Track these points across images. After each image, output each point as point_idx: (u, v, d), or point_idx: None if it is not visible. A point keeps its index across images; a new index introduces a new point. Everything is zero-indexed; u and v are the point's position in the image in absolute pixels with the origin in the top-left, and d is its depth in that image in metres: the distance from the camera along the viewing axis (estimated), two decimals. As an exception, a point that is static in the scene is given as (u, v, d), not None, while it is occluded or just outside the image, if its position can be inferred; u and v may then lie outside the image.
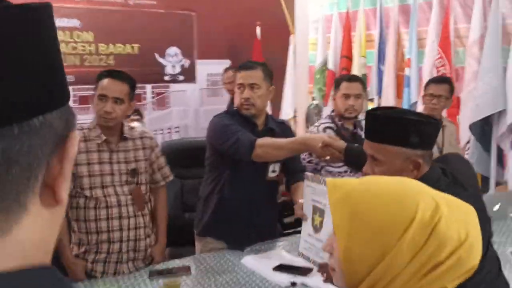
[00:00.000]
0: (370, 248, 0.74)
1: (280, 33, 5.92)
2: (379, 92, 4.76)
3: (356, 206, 0.77)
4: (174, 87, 5.67)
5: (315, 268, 1.97)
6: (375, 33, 4.87)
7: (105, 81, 2.05)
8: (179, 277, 1.88)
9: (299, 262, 2.13)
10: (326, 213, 1.82)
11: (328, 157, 1.88)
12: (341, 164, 2.70)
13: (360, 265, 0.75)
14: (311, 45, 6.10)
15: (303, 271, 2.02)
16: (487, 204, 2.77)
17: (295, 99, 5.76)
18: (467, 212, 0.78)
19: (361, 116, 2.74)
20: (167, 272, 1.94)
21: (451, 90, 3.01)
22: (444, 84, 2.99)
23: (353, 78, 2.76)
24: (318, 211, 1.86)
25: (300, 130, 5.36)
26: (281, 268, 2.07)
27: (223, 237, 2.32)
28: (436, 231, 0.72)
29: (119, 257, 2.13)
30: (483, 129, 3.91)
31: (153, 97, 5.34)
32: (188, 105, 5.69)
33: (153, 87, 5.36)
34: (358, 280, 0.75)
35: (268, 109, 4.95)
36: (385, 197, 0.77)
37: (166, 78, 5.44)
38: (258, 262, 2.15)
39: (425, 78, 4.25)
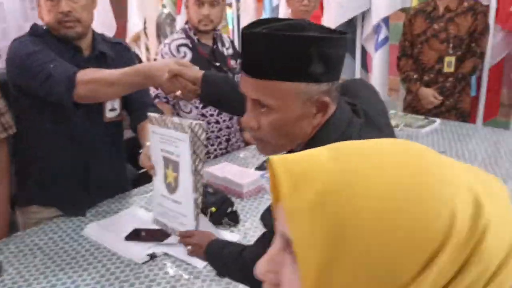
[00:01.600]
0: None
1: None
2: (237, -5, 4.24)
3: (343, 220, 0.40)
4: (-16, -2, 4.47)
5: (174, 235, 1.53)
6: None
7: None
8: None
9: (159, 222, 1.68)
10: (180, 167, 1.35)
11: (179, 92, 1.35)
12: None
13: None
14: None
15: (161, 236, 1.57)
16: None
17: (143, 7, 4.96)
18: (502, 196, 0.43)
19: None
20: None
21: (319, -12, 2.62)
22: (312, -18, 2.58)
23: None
24: (170, 164, 1.38)
25: (153, 46, 4.67)
26: (136, 234, 1.61)
27: (54, 202, 1.75)
28: (479, 250, 0.39)
29: None
30: (346, 31, 3.66)
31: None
32: (7, 21, 4.58)
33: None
34: None
35: (112, 23, 4.17)
36: (397, 194, 0.39)
37: (-29, -13, 4.22)
38: (105, 230, 1.65)
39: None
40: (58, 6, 1.53)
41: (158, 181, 1.44)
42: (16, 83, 1.58)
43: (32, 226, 1.72)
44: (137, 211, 1.80)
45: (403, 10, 3.36)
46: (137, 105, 1.77)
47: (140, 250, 1.53)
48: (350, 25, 3.61)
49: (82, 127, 1.67)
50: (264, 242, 1.01)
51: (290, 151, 0.97)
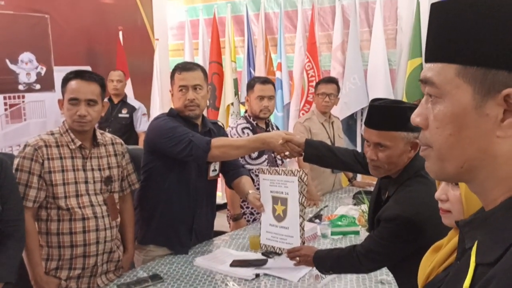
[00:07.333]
0: None
1: (141, 38, 5.81)
2: (251, 95, 5.02)
3: None
4: (30, 97, 5.15)
5: (270, 260, 2.08)
6: (242, 39, 5.16)
7: (74, 83, 1.92)
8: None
9: (250, 255, 2.20)
10: (288, 201, 1.93)
11: (287, 153, 1.98)
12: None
13: (476, 205, 0.91)
14: (171, 51, 6.13)
15: (259, 263, 2.09)
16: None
17: (163, 105, 5.70)
18: None
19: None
20: (136, 283, 1.82)
21: (338, 89, 3.38)
22: (332, 84, 3.32)
23: (266, 81, 2.92)
24: (279, 201, 1.96)
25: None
26: (237, 263, 2.12)
27: (167, 243, 2.26)
28: None
29: (93, 271, 2.00)
30: (348, 123, 4.48)
31: (6, 109, 4.76)
32: (47, 116, 5.23)
33: (5, 98, 4.78)
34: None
35: (140, 114, 4.85)
36: None
37: (21, 87, 4.87)
38: (211, 262, 2.15)
39: (296, 81, 4.67)
40: (187, 95, 2.18)
41: (266, 215, 2.00)
42: (158, 148, 2.14)
43: (149, 261, 2.20)
44: (227, 250, 2.32)
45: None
46: (232, 167, 2.38)
47: (245, 272, 2.04)
48: (351, 118, 4.42)
49: (194, 183, 2.24)
50: (372, 238, 1.57)
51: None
